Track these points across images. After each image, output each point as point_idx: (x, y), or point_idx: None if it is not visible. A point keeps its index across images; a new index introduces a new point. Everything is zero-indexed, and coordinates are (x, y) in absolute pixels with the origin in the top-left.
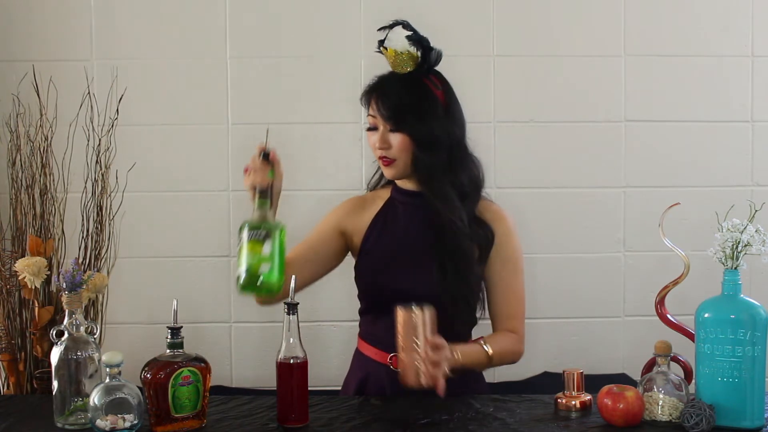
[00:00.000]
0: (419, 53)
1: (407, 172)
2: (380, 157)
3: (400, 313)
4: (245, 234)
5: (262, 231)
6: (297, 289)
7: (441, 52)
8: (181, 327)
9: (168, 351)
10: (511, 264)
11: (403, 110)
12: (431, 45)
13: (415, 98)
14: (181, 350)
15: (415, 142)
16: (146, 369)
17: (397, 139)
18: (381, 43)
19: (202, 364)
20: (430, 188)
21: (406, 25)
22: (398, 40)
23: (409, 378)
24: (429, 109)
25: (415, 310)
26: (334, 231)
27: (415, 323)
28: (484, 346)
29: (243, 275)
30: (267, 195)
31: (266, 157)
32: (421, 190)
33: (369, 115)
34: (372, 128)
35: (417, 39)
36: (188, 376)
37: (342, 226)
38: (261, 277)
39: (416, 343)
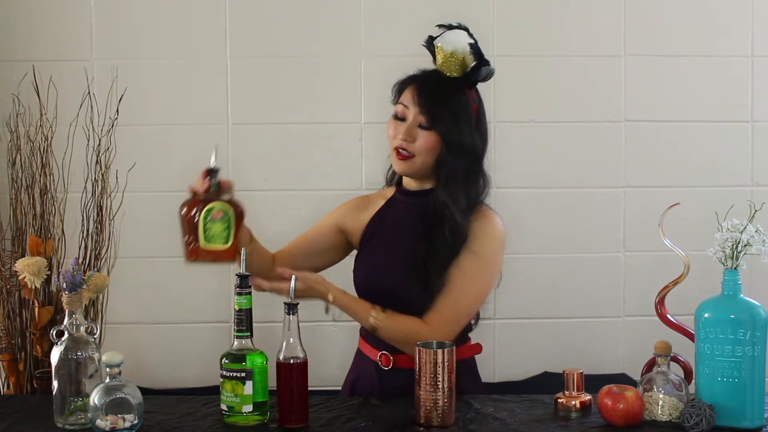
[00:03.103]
0: (474, 63)
1: (421, 173)
2: (398, 149)
3: (420, 351)
4: (226, 372)
5: (242, 372)
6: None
7: (493, 71)
8: (219, 169)
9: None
10: (470, 261)
11: (442, 109)
12: (488, 61)
13: (455, 102)
14: (216, 189)
15: (445, 143)
16: (182, 205)
17: (425, 136)
18: (432, 38)
19: (235, 204)
20: (448, 193)
21: (469, 33)
22: (457, 42)
23: (423, 416)
24: (465, 116)
25: (436, 348)
26: (332, 227)
27: (435, 362)
28: (371, 315)
29: (227, 411)
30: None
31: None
32: (422, 189)
33: (399, 103)
34: (399, 118)
35: (478, 50)
36: (220, 212)
37: (341, 223)
38: (244, 414)
39: (435, 382)
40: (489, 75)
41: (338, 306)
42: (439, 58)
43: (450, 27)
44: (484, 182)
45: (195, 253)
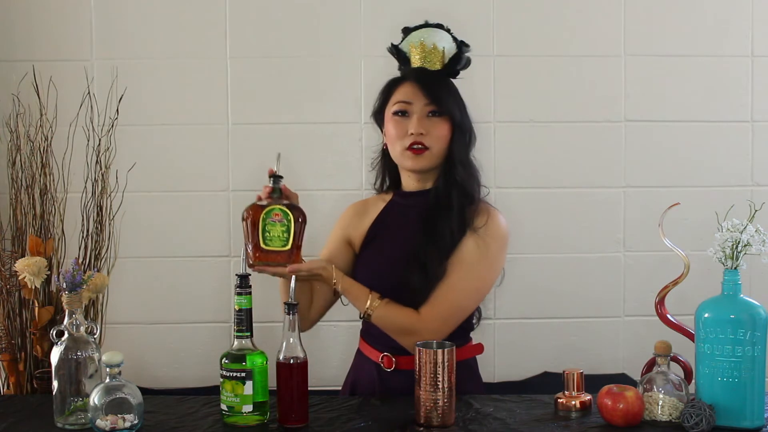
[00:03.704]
0: (454, 53)
1: (436, 164)
2: (413, 145)
3: (420, 351)
4: (226, 372)
5: (242, 372)
6: (323, 310)
7: (470, 59)
8: (282, 177)
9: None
10: (470, 256)
11: (447, 94)
12: (468, 45)
13: (452, 88)
14: (278, 195)
15: (454, 127)
16: (246, 210)
17: (437, 124)
18: (395, 45)
19: (296, 209)
20: (460, 178)
21: (442, 27)
22: (435, 36)
23: (423, 416)
24: (462, 101)
25: (436, 348)
26: (343, 244)
27: (435, 362)
28: (368, 302)
29: (227, 411)
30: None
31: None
32: (423, 189)
33: (400, 101)
34: (401, 113)
35: (458, 40)
36: (279, 214)
37: (347, 235)
38: (244, 414)
39: (435, 382)
40: (468, 63)
41: (340, 289)
42: (420, 54)
43: (417, 27)
44: (477, 169)
45: (255, 255)
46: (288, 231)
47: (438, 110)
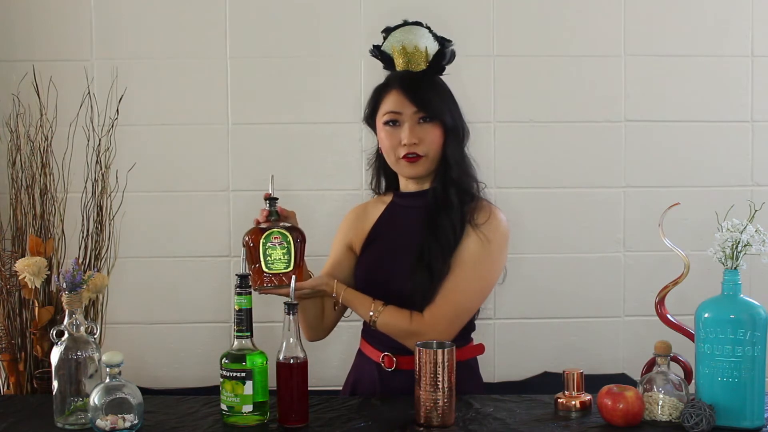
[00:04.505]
0: (436, 50)
1: (431, 169)
2: (407, 154)
3: (420, 351)
4: (226, 372)
5: (242, 372)
6: (336, 319)
7: (455, 52)
8: (277, 198)
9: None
10: (472, 256)
11: (435, 97)
12: (450, 41)
13: (439, 89)
14: (275, 217)
15: (446, 131)
16: (246, 234)
17: (430, 130)
18: (378, 47)
19: (294, 230)
20: (456, 176)
21: (422, 24)
22: (416, 36)
23: (423, 416)
24: (452, 100)
25: (436, 348)
26: (346, 251)
27: (435, 362)
28: (371, 310)
29: (227, 411)
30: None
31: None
32: (422, 189)
33: (389, 112)
34: (392, 123)
35: (439, 37)
36: (278, 237)
37: (349, 241)
38: (244, 414)
39: (435, 382)
40: (453, 57)
41: (343, 301)
42: (403, 57)
43: (395, 27)
44: (472, 165)
45: (258, 279)
46: (288, 253)
47: (428, 116)
